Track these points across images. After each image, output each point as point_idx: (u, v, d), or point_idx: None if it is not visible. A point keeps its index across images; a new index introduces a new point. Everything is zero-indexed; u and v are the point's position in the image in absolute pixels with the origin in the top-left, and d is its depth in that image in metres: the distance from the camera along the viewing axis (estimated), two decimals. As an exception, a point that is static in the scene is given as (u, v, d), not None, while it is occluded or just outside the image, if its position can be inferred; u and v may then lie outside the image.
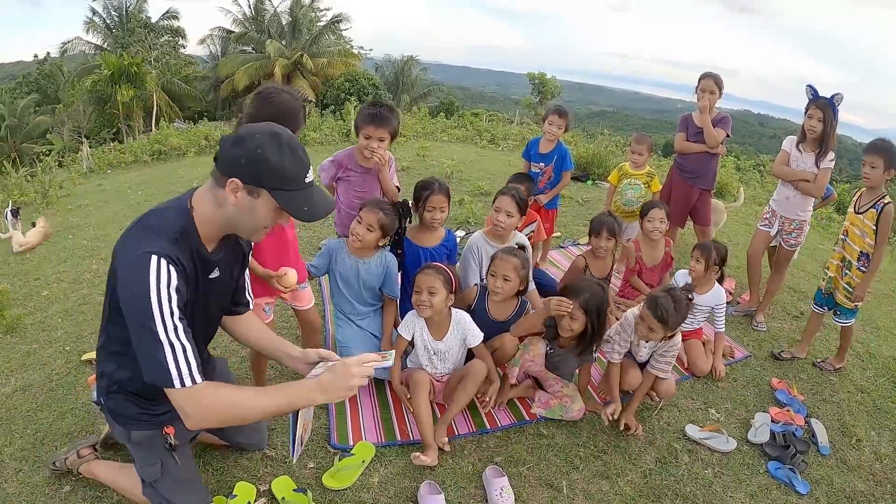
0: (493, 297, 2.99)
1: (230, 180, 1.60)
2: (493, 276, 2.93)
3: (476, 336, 2.87)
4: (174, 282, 1.58)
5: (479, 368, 2.79)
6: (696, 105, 4.40)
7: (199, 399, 1.60)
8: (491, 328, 3.00)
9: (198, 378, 1.59)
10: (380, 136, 3.08)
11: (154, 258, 1.55)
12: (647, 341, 2.90)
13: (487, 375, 2.84)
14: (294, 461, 2.43)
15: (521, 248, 3.10)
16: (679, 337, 2.95)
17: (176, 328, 1.58)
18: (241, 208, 1.64)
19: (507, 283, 2.88)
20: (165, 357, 1.55)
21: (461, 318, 2.87)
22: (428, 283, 2.69)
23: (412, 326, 2.87)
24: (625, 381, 2.99)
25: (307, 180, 1.67)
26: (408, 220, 3.17)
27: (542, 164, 4.54)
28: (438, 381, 2.93)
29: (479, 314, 3.03)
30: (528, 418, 2.92)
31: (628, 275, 4.02)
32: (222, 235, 1.79)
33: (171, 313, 1.57)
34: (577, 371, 3.12)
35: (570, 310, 2.74)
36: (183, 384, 1.56)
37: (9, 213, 5.81)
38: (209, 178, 1.69)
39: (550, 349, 2.99)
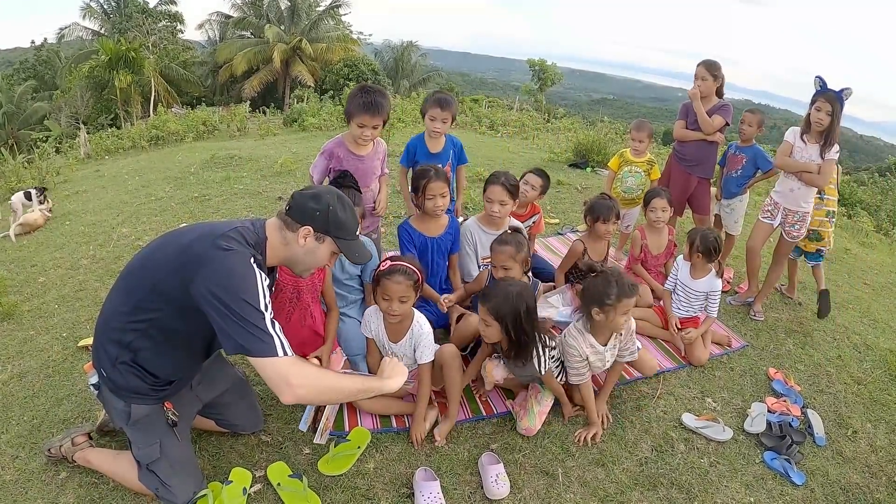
0: None
1: (304, 227, 1.98)
2: (494, 267, 2.91)
3: (426, 355, 2.63)
4: (266, 280, 1.90)
5: (451, 352, 2.71)
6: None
7: (303, 368, 1.85)
8: None
9: (291, 352, 1.84)
10: (374, 125, 3.05)
11: (252, 259, 1.88)
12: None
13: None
14: (321, 442, 2.52)
15: (515, 230, 3.04)
16: (633, 321, 2.82)
17: (270, 312, 1.86)
18: (306, 250, 2.02)
19: (508, 272, 2.86)
20: (267, 329, 1.80)
21: (420, 329, 2.65)
22: (400, 292, 2.49)
23: (370, 325, 2.76)
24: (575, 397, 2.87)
25: (357, 233, 2.12)
26: (355, 184, 3.07)
27: (439, 166, 3.57)
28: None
29: None
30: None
31: (632, 263, 4.03)
32: (273, 266, 2.11)
33: (268, 301, 1.86)
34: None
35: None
36: (286, 353, 1.81)
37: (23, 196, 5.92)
38: (275, 219, 2.03)
39: (498, 356, 2.81)
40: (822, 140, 3.61)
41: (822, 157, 3.63)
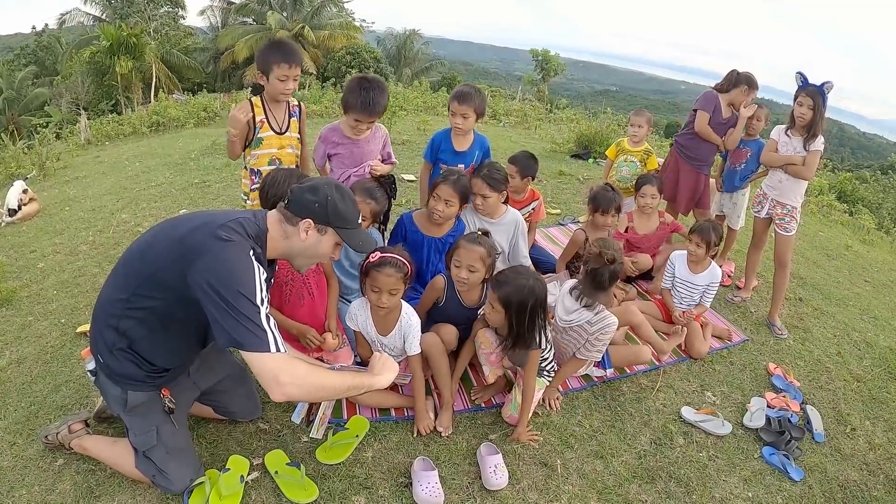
0: (460, 288, 2.82)
1: (304, 220, 1.96)
2: (457, 266, 2.71)
3: (414, 347, 2.61)
4: (263, 273, 1.87)
5: (432, 339, 2.71)
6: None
7: (293, 366, 1.82)
8: (465, 314, 2.88)
9: (284, 348, 1.82)
10: (371, 120, 3.03)
11: (251, 252, 1.85)
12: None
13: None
14: (317, 436, 2.45)
15: (485, 233, 2.87)
16: (613, 319, 2.81)
17: (266, 307, 1.83)
18: (307, 243, 2.00)
19: (473, 274, 2.68)
20: (262, 324, 1.78)
21: (408, 321, 2.62)
22: (389, 284, 2.44)
23: (356, 318, 2.69)
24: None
25: (359, 222, 2.11)
26: (394, 196, 3.08)
27: (461, 166, 3.46)
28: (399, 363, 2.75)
29: (451, 302, 2.88)
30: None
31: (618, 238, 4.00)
32: (272, 259, 2.09)
33: (265, 295, 1.83)
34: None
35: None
36: (279, 349, 1.79)
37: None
38: (275, 212, 2.02)
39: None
40: (805, 133, 3.64)
41: (807, 149, 3.65)
